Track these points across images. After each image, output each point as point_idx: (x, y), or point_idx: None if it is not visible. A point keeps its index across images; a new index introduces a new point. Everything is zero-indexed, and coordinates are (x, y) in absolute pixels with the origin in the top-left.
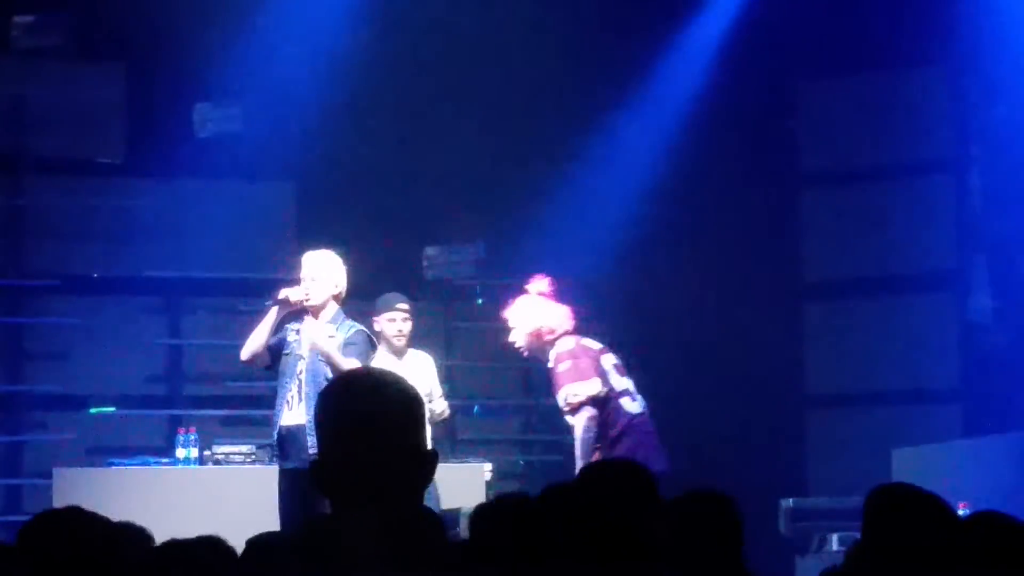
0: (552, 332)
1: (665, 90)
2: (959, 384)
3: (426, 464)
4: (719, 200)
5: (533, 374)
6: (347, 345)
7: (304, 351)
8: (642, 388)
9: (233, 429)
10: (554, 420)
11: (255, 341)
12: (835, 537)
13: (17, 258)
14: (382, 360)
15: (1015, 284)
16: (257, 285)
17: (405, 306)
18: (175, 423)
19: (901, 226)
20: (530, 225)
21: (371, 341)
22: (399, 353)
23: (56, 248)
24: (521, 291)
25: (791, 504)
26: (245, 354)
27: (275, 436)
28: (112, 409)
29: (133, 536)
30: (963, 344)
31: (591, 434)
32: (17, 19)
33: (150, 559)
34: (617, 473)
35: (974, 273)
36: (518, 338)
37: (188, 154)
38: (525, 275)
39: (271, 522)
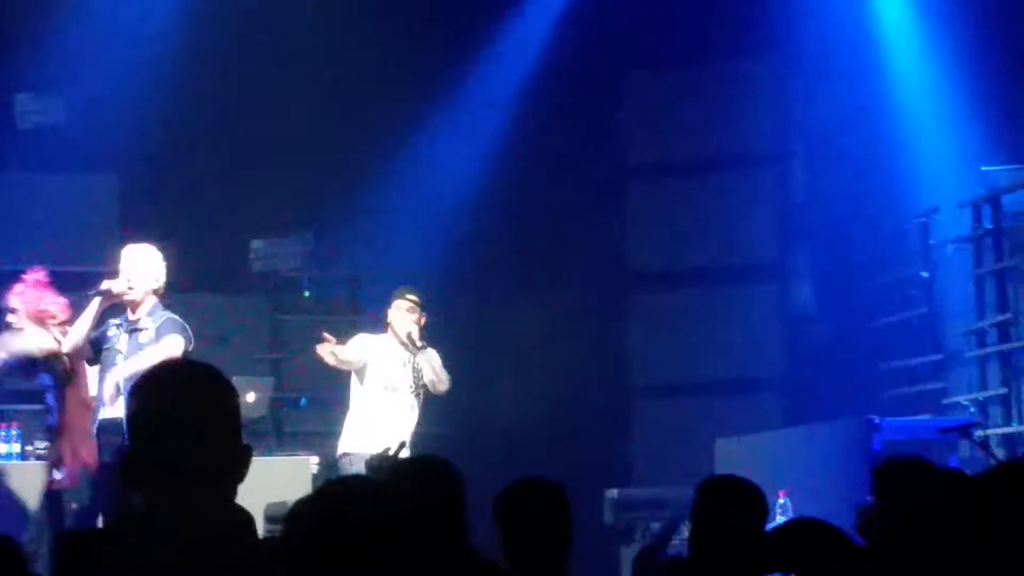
0: (54, 317)
1: (494, 79)
2: (781, 374)
3: (239, 459)
4: (546, 190)
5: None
6: (158, 331)
7: (122, 346)
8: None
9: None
10: None
11: (76, 333)
12: (658, 526)
13: None
14: (394, 352)
15: (836, 276)
16: (81, 278)
17: (413, 297)
18: None
19: (726, 218)
20: (357, 218)
21: (184, 329)
22: (413, 344)
23: None
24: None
25: (615, 494)
26: (66, 346)
27: (94, 431)
28: None
29: None
30: (786, 334)
31: None
32: None
33: None
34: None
35: (797, 265)
36: (18, 320)
37: (9, 146)
38: (352, 267)
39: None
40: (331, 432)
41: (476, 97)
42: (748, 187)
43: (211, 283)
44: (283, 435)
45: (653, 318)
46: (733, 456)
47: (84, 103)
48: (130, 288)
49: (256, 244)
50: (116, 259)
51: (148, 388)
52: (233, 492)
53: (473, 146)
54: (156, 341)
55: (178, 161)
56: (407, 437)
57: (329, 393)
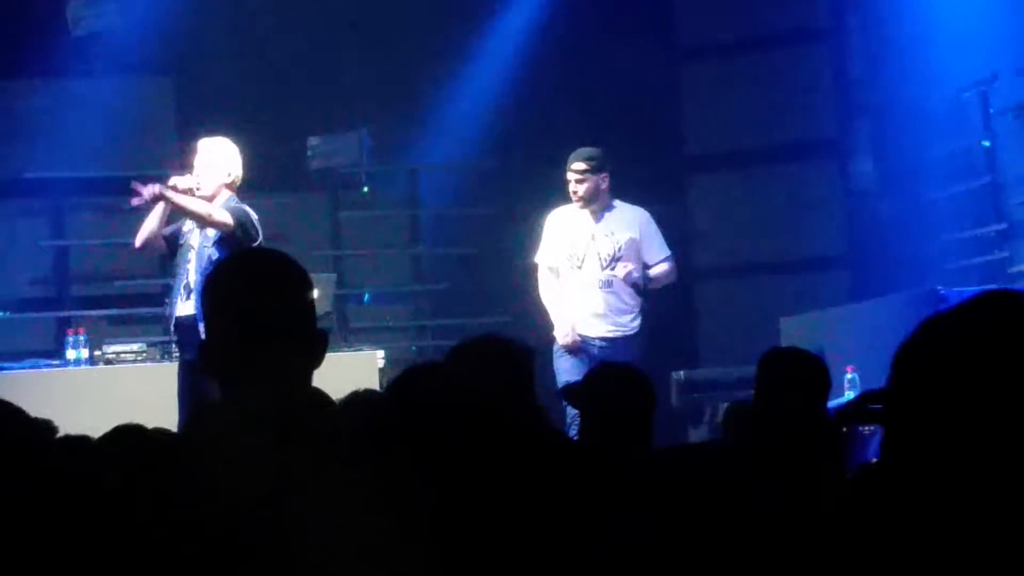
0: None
1: None
2: (844, 250)
3: (316, 344)
4: (600, 77)
5: (423, 260)
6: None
7: (194, 241)
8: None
9: (122, 328)
10: (445, 305)
11: (146, 228)
12: (725, 407)
13: None
14: (571, 219)
15: (896, 149)
16: (139, 181)
17: (578, 165)
18: (64, 325)
19: (782, 94)
20: (413, 111)
21: (247, 215)
22: (590, 211)
23: None
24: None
25: (682, 376)
26: (138, 241)
27: (171, 328)
28: (0, 313)
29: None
30: (847, 210)
31: None
32: None
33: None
34: (487, 350)
35: (855, 139)
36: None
37: (64, 52)
38: (410, 160)
39: (164, 420)
40: (395, 327)
41: None
42: (805, 63)
43: (270, 182)
44: (348, 331)
45: (713, 200)
46: (798, 334)
47: (137, 6)
48: (199, 185)
49: (313, 141)
50: (177, 160)
51: (224, 274)
52: (309, 377)
53: (522, 37)
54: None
55: (233, 61)
56: (602, 314)
57: (391, 288)
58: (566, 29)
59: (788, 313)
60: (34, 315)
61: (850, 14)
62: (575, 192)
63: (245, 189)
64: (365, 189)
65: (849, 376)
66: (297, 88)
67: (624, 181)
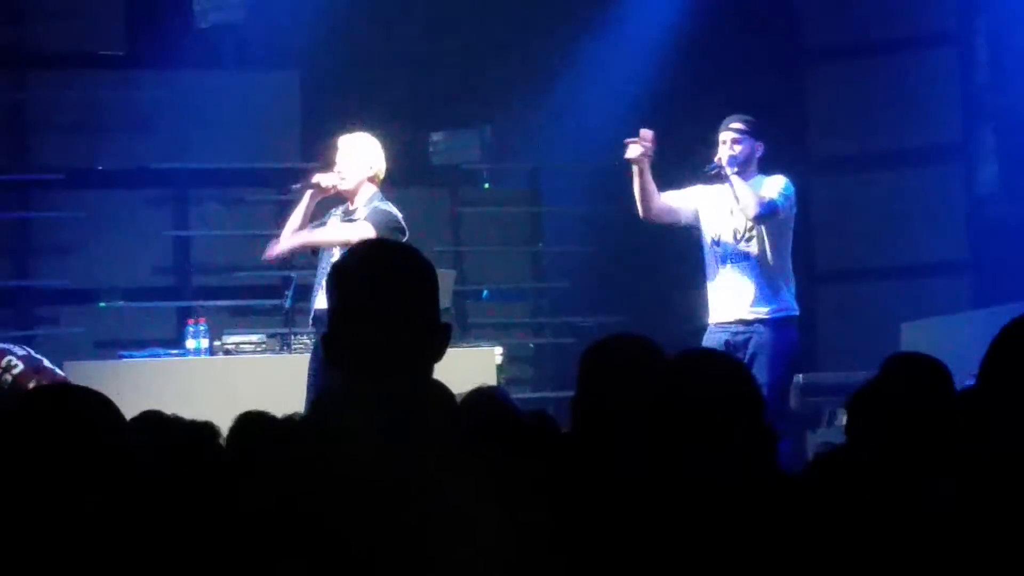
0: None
1: None
2: (967, 256)
3: (438, 336)
4: (724, 76)
5: (542, 257)
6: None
7: None
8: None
9: (242, 319)
10: (564, 303)
11: (291, 227)
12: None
13: (21, 153)
14: (712, 192)
15: (1020, 155)
16: (263, 175)
17: (736, 125)
18: (184, 314)
19: (907, 99)
20: (535, 110)
21: (389, 217)
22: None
23: (60, 142)
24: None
25: (802, 380)
26: (282, 239)
27: (310, 321)
28: (121, 302)
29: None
30: (971, 216)
31: None
32: None
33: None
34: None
35: (980, 145)
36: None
37: (189, 45)
38: (531, 159)
39: (283, 411)
40: (513, 324)
41: None
42: (930, 67)
43: (392, 176)
44: (467, 326)
45: (836, 202)
46: (920, 340)
47: (261, 1)
48: (342, 179)
49: (435, 137)
50: (299, 153)
51: (349, 265)
52: (430, 370)
53: (649, 40)
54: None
55: (357, 57)
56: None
57: (510, 285)
58: (691, 29)
59: (909, 318)
60: (155, 304)
61: (977, 19)
62: (730, 154)
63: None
64: (486, 186)
65: (971, 383)
66: (421, 83)
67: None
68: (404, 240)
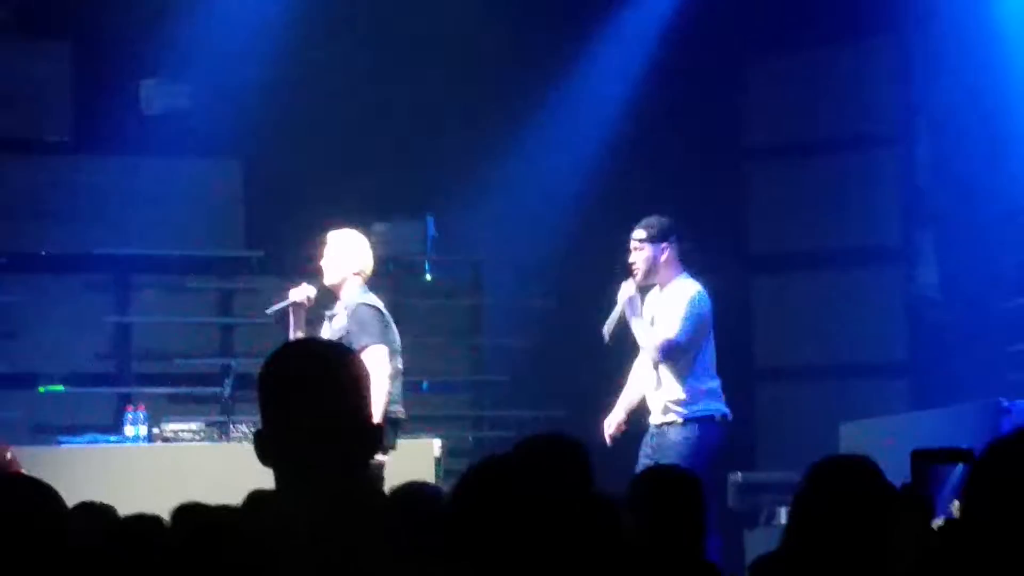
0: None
1: (610, 67)
2: (906, 357)
3: (370, 436)
4: (665, 175)
5: (483, 351)
6: (354, 334)
7: (325, 334)
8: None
9: (181, 407)
10: (503, 396)
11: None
12: (783, 510)
13: None
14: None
15: (960, 258)
16: (205, 262)
17: (636, 233)
18: (124, 401)
19: (847, 199)
20: (478, 202)
21: (377, 312)
22: (650, 286)
23: (3, 226)
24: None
25: (739, 478)
26: None
27: None
28: (61, 387)
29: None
30: (910, 317)
31: None
32: None
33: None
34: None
35: (920, 246)
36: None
37: (135, 131)
38: (474, 250)
39: (221, 499)
40: (453, 416)
41: (596, 81)
42: (869, 168)
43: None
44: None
45: (776, 300)
46: (858, 440)
47: (207, 88)
48: (309, 298)
49: (378, 227)
50: (322, 243)
51: (278, 363)
52: (364, 467)
53: (591, 132)
54: (348, 327)
55: (300, 145)
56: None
57: (450, 377)
58: (634, 124)
59: (848, 418)
60: (95, 390)
61: (918, 120)
62: (631, 262)
63: (305, 274)
64: (428, 277)
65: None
66: (364, 173)
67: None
68: (388, 331)
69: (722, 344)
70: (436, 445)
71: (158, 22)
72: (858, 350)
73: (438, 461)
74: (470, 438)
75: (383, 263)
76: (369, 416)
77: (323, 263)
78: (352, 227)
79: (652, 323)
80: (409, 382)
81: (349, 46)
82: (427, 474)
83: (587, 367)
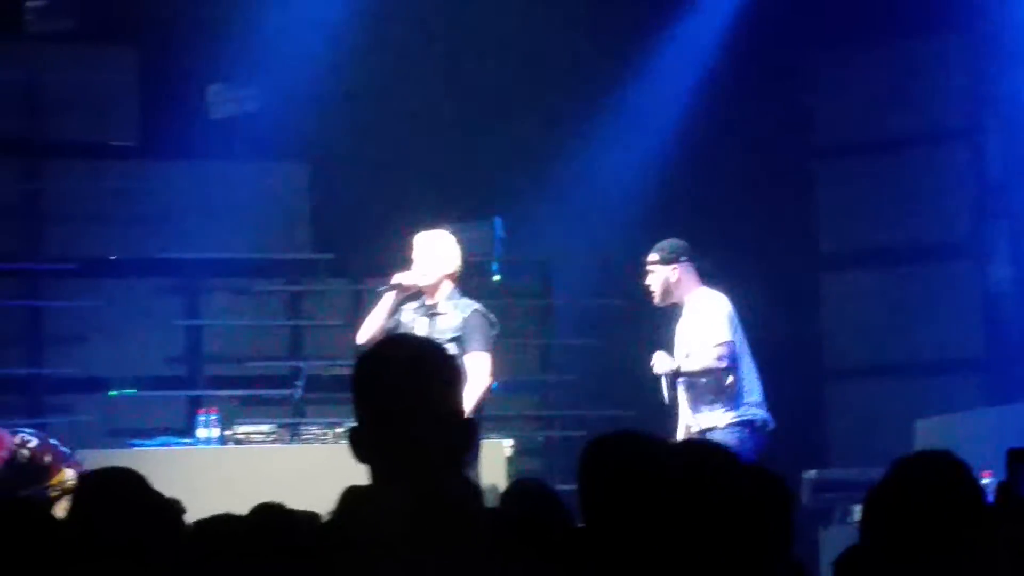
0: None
1: (679, 64)
2: (980, 353)
3: (466, 433)
4: (735, 173)
5: (552, 350)
6: (467, 339)
7: (421, 330)
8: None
9: (252, 409)
10: (573, 395)
11: (372, 325)
12: (857, 508)
13: (34, 242)
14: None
15: None
16: (273, 265)
17: (649, 257)
18: (195, 404)
19: (919, 196)
20: (546, 201)
21: (486, 318)
22: (672, 306)
23: (72, 232)
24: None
25: (814, 476)
26: (361, 337)
27: None
28: (132, 391)
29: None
30: (984, 313)
31: None
32: (29, 3)
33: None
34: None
35: (993, 241)
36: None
37: (202, 135)
38: (542, 251)
39: (293, 501)
40: (523, 416)
41: (663, 81)
42: (941, 164)
43: (403, 269)
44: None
45: (845, 300)
46: (933, 436)
47: (274, 92)
48: (424, 276)
49: (446, 229)
50: (409, 246)
51: (374, 361)
52: (460, 466)
53: (659, 131)
54: (462, 330)
55: (367, 148)
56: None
57: (520, 377)
58: (698, 124)
59: (922, 415)
60: (166, 393)
61: (989, 115)
62: (650, 288)
63: (378, 275)
64: (496, 278)
65: (986, 482)
66: (430, 176)
67: (757, 279)
68: (495, 332)
69: (792, 342)
70: (507, 445)
71: (224, 27)
72: (931, 347)
73: (509, 461)
74: (540, 438)
75: None
76: (462, 413)
77: (418, 263)
78: (437, 228)
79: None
80: None
81: (415, 48)
82: (499, 474)
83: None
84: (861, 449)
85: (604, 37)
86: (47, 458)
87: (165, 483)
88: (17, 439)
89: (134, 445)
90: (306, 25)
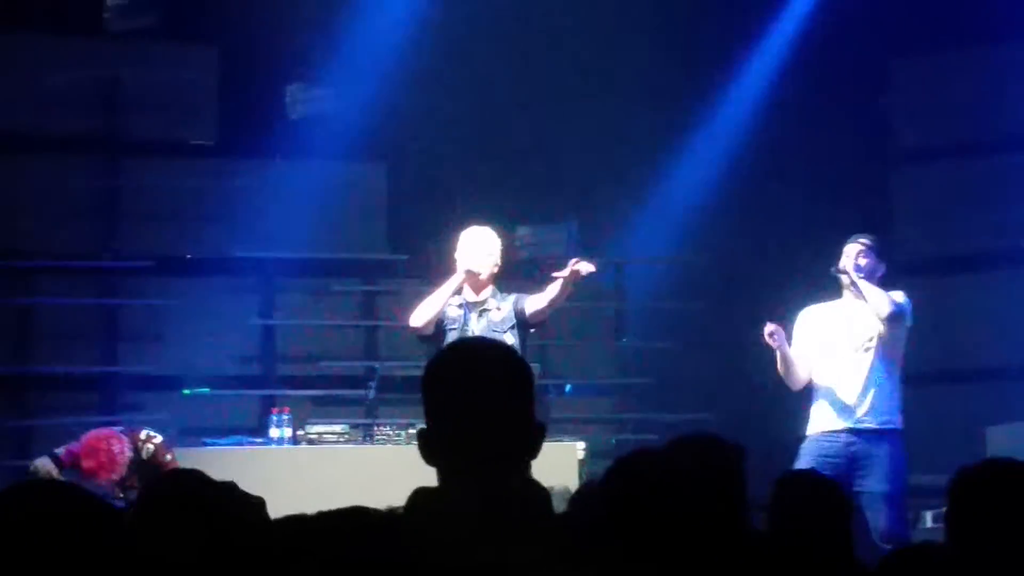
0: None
1: (754, 69)
2: None
3: (533, 434)
4: (810, 179)
5: (626, 354)
6: (520, 299)
7: (474, 327)
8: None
9: (326, 409)
10: (647, 399)
11: (433, 306)
12: (929, 515)
13: (111, 240)
14: (823, 311)
15: None
16: (349, 265)
17: (864, 240)
18: (268, 403)
19: (996, 201)
20: (621, 204)
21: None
22: (853, 294)
23: (150, 229)
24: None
25: None
26: (419, 320)
27: None
28: (206, 390)
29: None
30: None
31: None
32: (110, 1)
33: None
34: (703, 447)
35: None
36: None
37: (280, 135)
38: (616, 253)
39: (365, 501)
40: (596, 419)
41: (738, 84)
42: (1014, 171)
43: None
44: (549, 421)
45: (919, 304)
46: (1006, 444)
47: (353, 92)
48: (493, 267)
49: (521, 231)
50: (454, 241)
51: (445, 363)
52: (527, 468)
53: (734, 139)
54: (514, 308)
55: (443, 149)
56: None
57: (594, 380)
58: (775, 127)
59: (993, 422)
60: (239, 392)
61: None
62: (857, 263)
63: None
64: None
65: None
66: (507, 177)
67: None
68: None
69: None
70: (579, 447)
71: (305, 27)
72: (1007, 353)
73: (582, 464)
74: (613, 441)
75: (527, 266)
76: (532, 415)
77: (481, 256)
78: (493, 229)
79: (851, 326)
80: (552, 385)
81: (492, 50)
82: (570, 477)
83: (731, 370)
84: (932, 456)
85: (680, 39)
86: (168, 456)
87: (238, 482)
88: (142, 434)
89: (207, 444)
90: (385, 25)
